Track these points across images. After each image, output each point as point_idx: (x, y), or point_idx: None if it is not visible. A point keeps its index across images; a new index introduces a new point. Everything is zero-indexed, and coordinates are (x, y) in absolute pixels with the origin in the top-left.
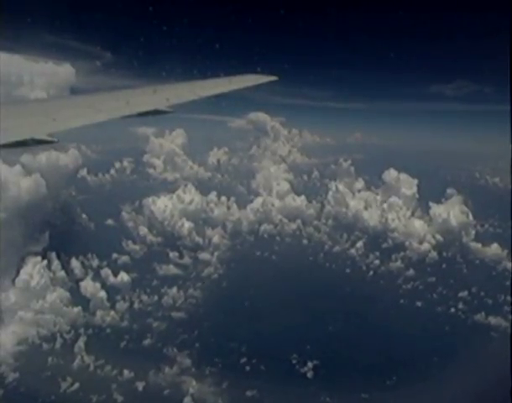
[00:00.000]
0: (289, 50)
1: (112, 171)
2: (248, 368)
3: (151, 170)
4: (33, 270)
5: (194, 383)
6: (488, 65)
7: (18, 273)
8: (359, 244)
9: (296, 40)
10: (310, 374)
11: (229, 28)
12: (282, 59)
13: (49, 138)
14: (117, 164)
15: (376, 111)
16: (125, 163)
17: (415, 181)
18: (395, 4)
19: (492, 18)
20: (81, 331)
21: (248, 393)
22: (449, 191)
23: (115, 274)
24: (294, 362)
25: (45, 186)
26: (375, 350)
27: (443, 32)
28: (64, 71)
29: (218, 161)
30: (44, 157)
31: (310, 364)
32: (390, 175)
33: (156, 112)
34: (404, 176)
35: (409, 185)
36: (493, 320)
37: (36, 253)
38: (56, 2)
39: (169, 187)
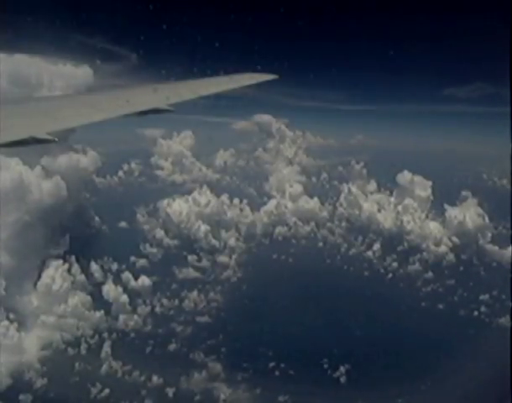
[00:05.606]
0: (291, 51)
1: (120, 173)
2: (277, 373)
3: (159, 172)
4: (55, 274)
5: (225, 388)
6: (503, 67)
7: (39, 276)
8: (376, 247)
9: (298, 41)
10: (343, 379)
11: (232, 27)
12: (282, 58)
13: (50, 138)
14: (125, 167)
15: (383, 113)
16: (133, 165)
17: (430, 183)
18: (406, 4)
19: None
20: (105, 335)
21: (281, 398)
22: (464, 193)
23: (135, 278)
24: (325, 366)
25: (66, 189)
26: (405, 354)
27: (458, 33)
28: (82, 73)
29: (225, 163)
30: (64, 159)
31: (342, 369)
32: (404, 176)
33: (156, 111)
34: (418, 178)
35: (423, 187)
36: None
37: (57, 257)
38: (80, 3)
39: (179, 189)
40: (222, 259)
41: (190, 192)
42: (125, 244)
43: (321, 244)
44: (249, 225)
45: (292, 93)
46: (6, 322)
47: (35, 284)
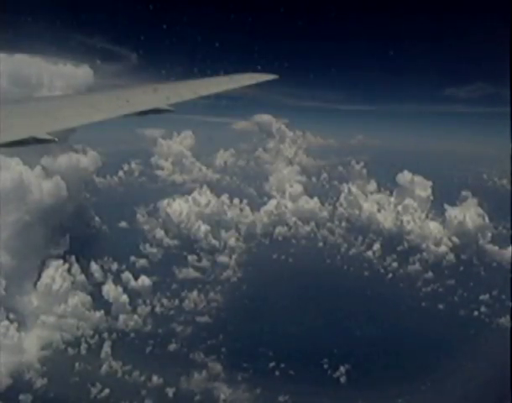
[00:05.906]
0: (291, 51)
1: (120, 173)
2: (277, 373)
3: (159, 172)
4: (55, 274)
5: (225, 388)
6: (503, 67)
7: (39, 276)
8: (376, 247)
9: (298, 41)
10: (343, 379)
11: (232, 27)
12: (282, 58)
13: (50, 138)
14: (125, 167)
15: (383, 113)
16: (133, 165)
17: (430, 183)
18: (408, 4)
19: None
20: (105, 335)
21: (281, 398)
22: (464, 193)
23: (135, 278)
24: (325, 366)
25: (66, 189)
26: (405, 354)
27: (458, 33)
28: (82, 73)
29: (225, 163)
30: (64, 159)
31: (342, 369)
32: (404, 176)
33: (157, 111)
34: (418, 178)
35: (423, 187)
36: None
37: (57, 257)
38: (80, 3)
39: (179, 189)
40: (222, 259)
41: (190, 192)
42: (125, 244)
43: (321, 244)
44: (249, 225)
45: (292, 93)
46: (6, 322)
47: (35, 284)
